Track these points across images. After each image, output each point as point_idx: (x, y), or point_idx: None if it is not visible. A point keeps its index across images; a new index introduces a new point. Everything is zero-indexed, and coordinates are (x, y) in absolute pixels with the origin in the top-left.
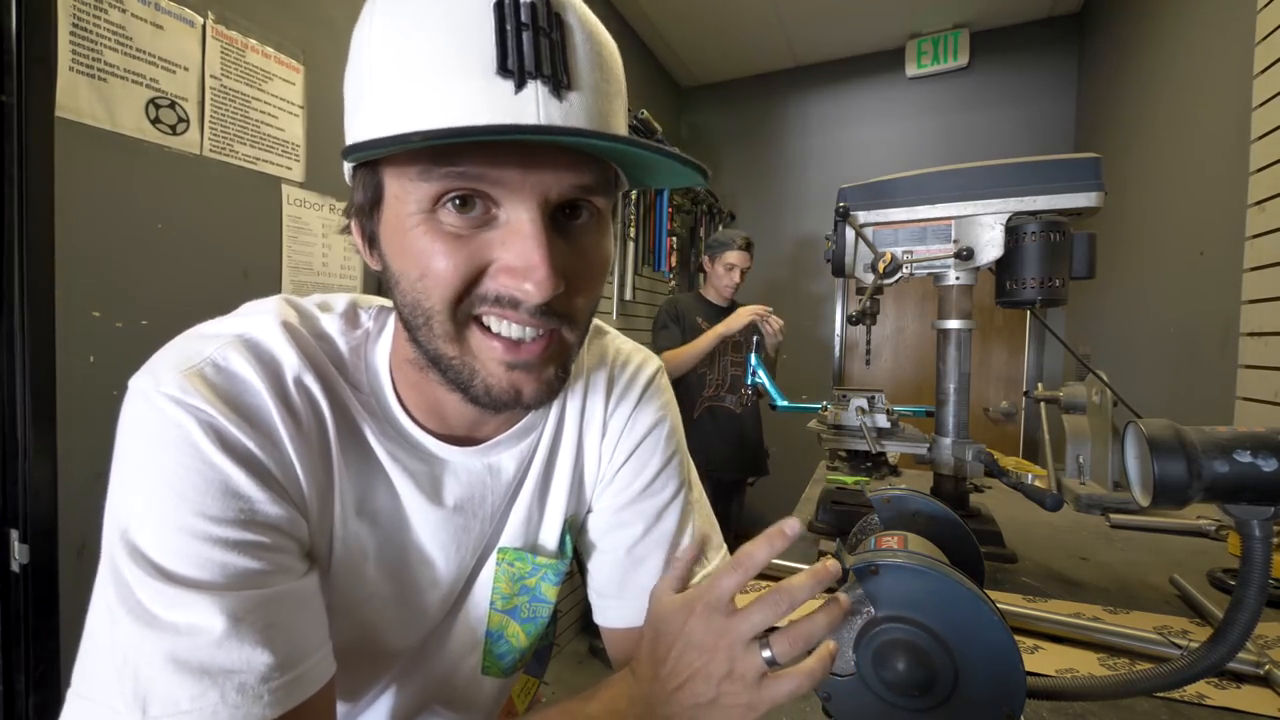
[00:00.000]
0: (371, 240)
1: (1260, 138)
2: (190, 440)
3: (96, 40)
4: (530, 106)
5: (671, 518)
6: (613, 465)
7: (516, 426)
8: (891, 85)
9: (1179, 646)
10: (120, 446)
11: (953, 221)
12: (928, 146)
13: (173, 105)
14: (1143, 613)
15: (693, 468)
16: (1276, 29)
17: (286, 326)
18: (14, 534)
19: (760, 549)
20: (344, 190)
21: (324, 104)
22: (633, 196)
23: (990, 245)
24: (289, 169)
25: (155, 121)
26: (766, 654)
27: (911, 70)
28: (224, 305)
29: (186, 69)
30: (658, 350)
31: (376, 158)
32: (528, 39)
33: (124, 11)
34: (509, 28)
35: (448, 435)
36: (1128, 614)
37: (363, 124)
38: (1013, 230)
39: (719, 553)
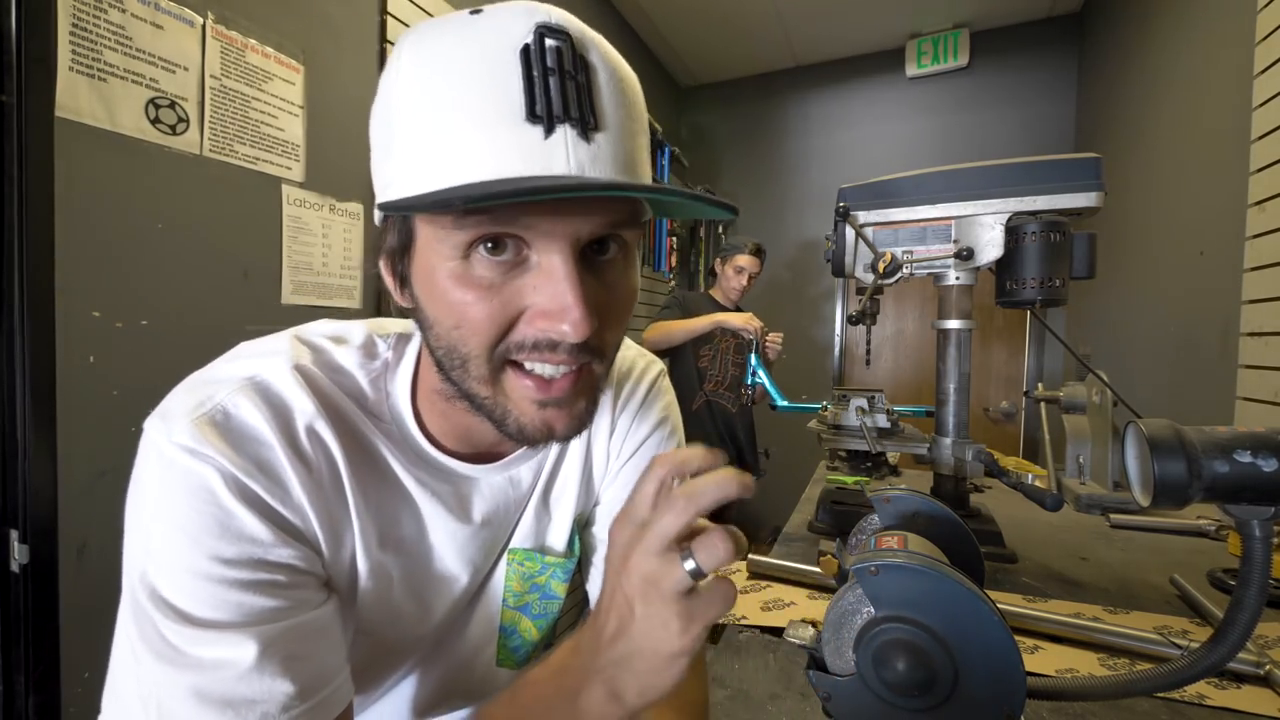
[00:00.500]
0: (403, 280)
1: (1260, 138)
2: (204, 486)
3: (96, 40)
4: (560, 151)
5: None
6: (619, 461)
7: None
8: (891, 85)
9: (1179, 646)
10: (135, 490)
11: (953, 221)
12: (928, 147)
13: (173, 105)
14: (1143, 613)
15: None
16: (1276, 29)
17: (300, 369)
18: (14, 534)
19: (708, 485)
20: (343, 190)
21: (324, 104)
22: None
23: (990, 245)
24: (289, 169)
25: (155, 121)
26: (689, 564)
27: (911, 70)
28: (224, 305)
29: (186, 69)
30: (658, 318)
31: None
32: (554, 84)
33: (124, 11)
34: (536, 73)
35: (472, 455)
36: (1128, 614)
37: (395, 171)
38: (1013, 230)
39: None
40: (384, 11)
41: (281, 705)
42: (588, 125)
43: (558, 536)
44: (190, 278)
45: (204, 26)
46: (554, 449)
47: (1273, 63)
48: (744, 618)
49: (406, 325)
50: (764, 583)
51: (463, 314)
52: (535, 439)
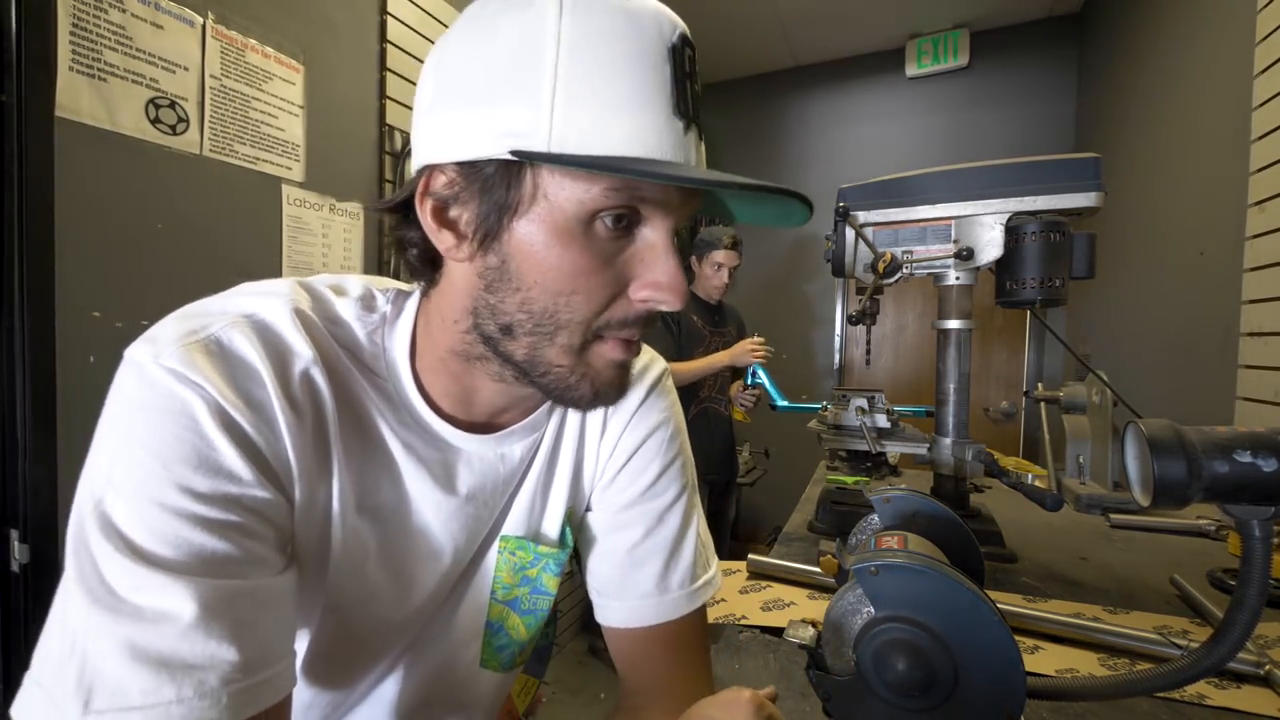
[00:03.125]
0: (487, 236)
1: (1260, 138)
2: (187, 412)
3: (96, 40)
4: (693, 146)
5: (673, 520)
6: (613, 464)
7: (529, 419)
8: (891, 85)
9: (1179, 646)
10: (107, 415)
11: (953, 221)
12: (927, 147)
13: (173, 105)
14: (1143, 613)
15: (694, 470)
16: (1276, 29)
17: (299, 314)
18: (14, 534)
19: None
20: (343, 190)
21: (324, 104)
22: None
23: (990, 245)
24: (289, 169)
25: (155, 121)
26: None
27: (911, 70)
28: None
29: (186, 69)
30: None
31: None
32: (689, 88)
33: (124, 11)
34: (683, 74)
35: (466, 423)
36: (1128, 614)
37: (539, 119)
38: (1013, 230)
39: (714, 559)
40: (384, 11)
41: (222, 676)
42: (701, 128)
43: (551, 526)
44: (190, 278)
45: (204, 26)
46: (548, 433)
47: (1273, 63)
48: (744, 617)
49: (399, 285)
50: (764, 583)
51: (580, 281)
52: (605, 399)
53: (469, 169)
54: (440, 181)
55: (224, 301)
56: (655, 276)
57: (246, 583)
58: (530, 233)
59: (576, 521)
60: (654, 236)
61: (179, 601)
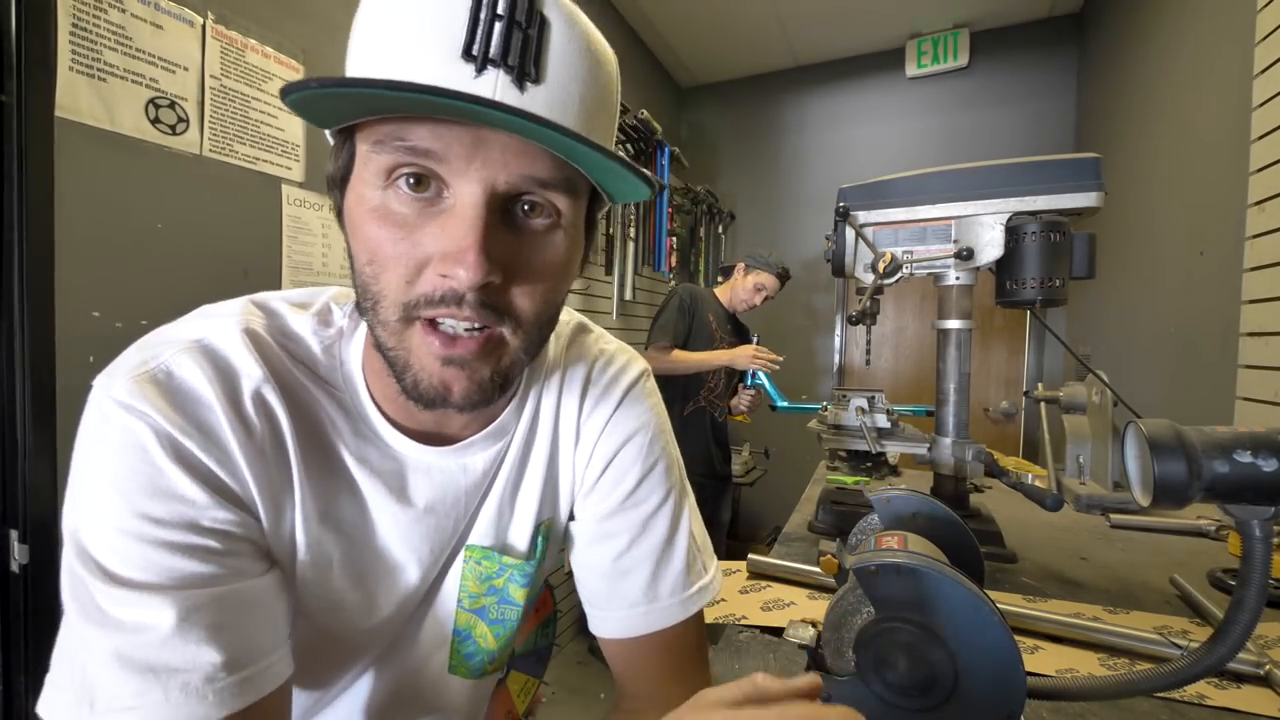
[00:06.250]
0: (339, 213)
1: (1260, 138)
2: (136, 443)
3: (96, 40)
4: (486, 92)
5: (659, 526)
6: (591, 472)
7: (490, 427)
8: (891, 85)
9: (1179, 646)
10: (77, 445)
11: (953, 221)
12: (928, 146)
13: (172, 105)
14: (1143, 613)
15: (684, 473)
16: (1276, 29)
17: (249, 333)
18: (14, 534)
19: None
20: None
21: None
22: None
23: (990, 245)
24: (289, 169)
25: (155, 121)
26: None
27: (911, 70)
28: None
29: (186, 69)
30: (657, 337)
31: (347, 124)
32: (499, 29)
33: (124, 11)
34: (483, 15)
35: (419, 433)
36: (1128, 614)
37: (347, 73)
38: (1013, 230)
39: (713, 562)
40: None
41: (206, 675)
42: (526, 75)
43: (519, 536)
44: (190, 278)
45: (204, 26)
46: (516, 440)
47: (1273, 63)
48: (744, 617)
49: None
50: (764, 583)
51: (377, 249)
52: (430, 398)
53: (332, 149)
54: (330, 162)
55: (178, 329)
56: (443, 245)
57: (220, 590)
58: (349, 203)
59: (557, 532)
60: (456, 201)
61: (156, 614)
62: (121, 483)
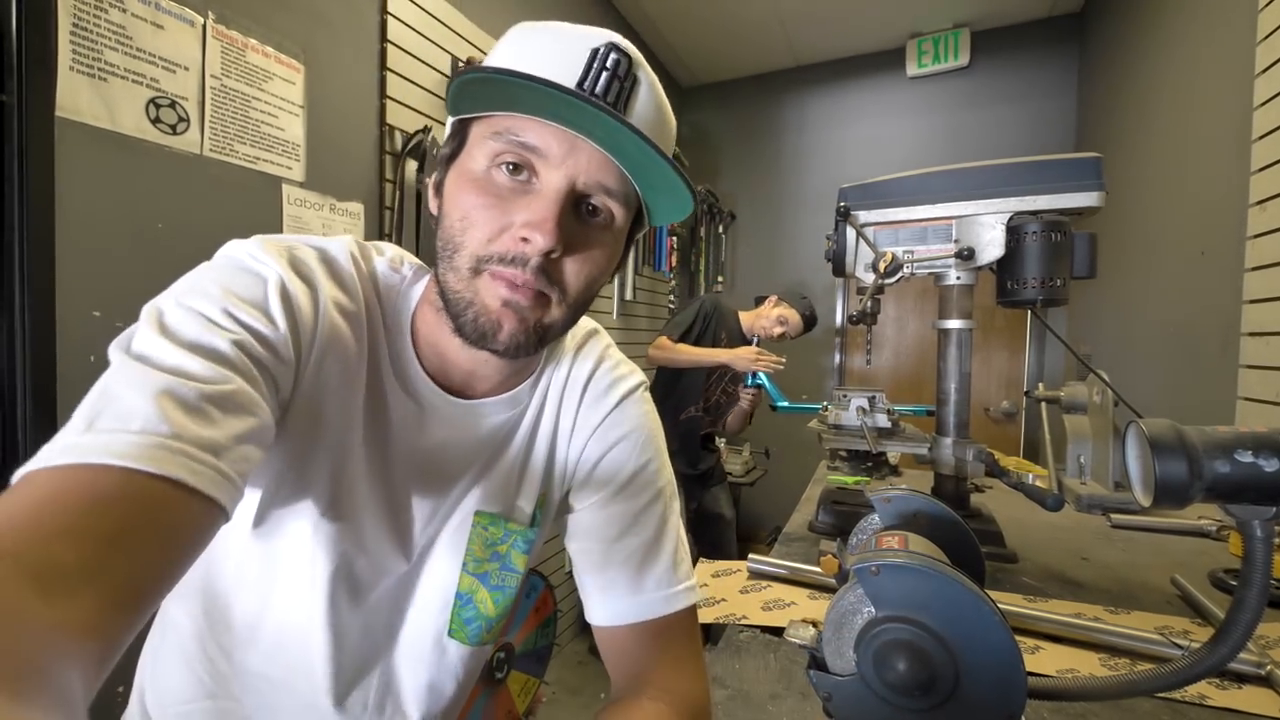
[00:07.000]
0: (439, 187)
1: (1261, 138)
2: (260, 275)
3: (97, 40)
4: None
5: (649, 523)
6: (585, 465)
7: (506, 395)
8: (892, 85)
9: (1180, 647)
10: (189, 274)
11: (953, 221)
12: (928, 146)
13: (173, 105)
14: (1144, 613)
15: (674, 483)
16: (1277, 29)
17: (355, 261)
18: None
19: None
20: (344, 190)
21: (324, 104)
22: None
23: (991, 245)
24: (289, 169)
25: (155, 121)
26: None
27: (912, 70)
28: None
29: (186, 69)
30: (669, 329)
31: (471, 116)
32: (604, 77)
33: (124, 11)
34: (595, 65)
35: (445, 386)
36: (1129, 614)
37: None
38: (1013, 230)
39: (693, 574)
40: (384, 11)
41: (201, 393)
42: (618, 111)
43: (524, 505)
44: None
45: (204, 26)
46: (528, 415)
47: (1273, 63)
48: (744, 618)
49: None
50: (764, 583)
51: (470, 211)
52: (481, 333)
53: (448, 136)
54: (445, 146)
55: (297, 237)
56: (527, 216)
57: (249, 396)
58: (452, 175)
59: (550, 507)
60: (542, 186)
61: (197, 367)
62: (233, 286)
